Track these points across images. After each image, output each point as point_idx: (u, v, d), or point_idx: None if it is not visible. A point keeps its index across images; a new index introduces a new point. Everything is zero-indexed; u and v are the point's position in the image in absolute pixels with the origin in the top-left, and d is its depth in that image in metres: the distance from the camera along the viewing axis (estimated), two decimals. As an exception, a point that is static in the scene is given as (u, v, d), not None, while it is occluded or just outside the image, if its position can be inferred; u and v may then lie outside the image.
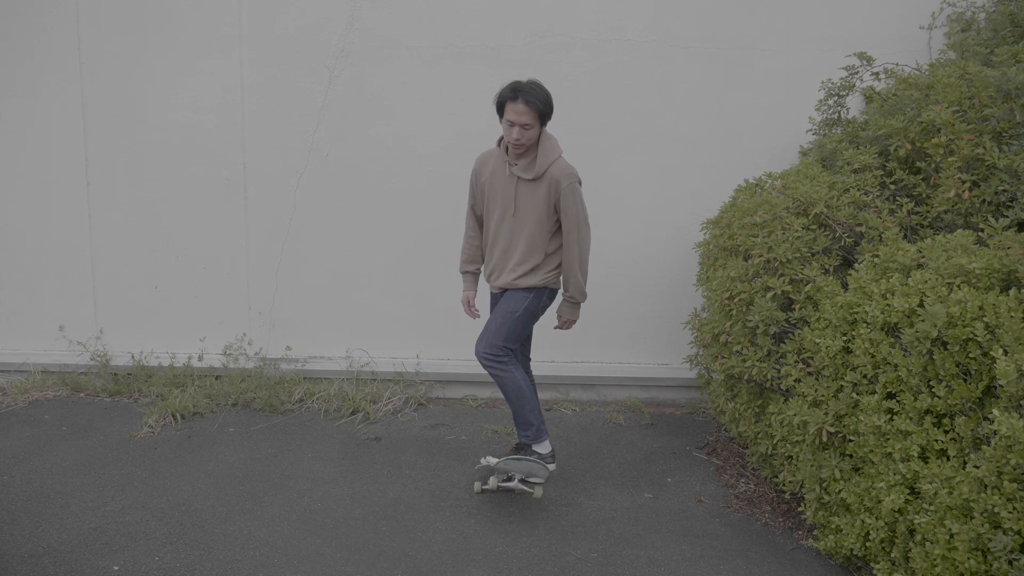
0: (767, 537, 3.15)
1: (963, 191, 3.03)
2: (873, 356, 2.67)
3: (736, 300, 3.30)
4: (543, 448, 3.41)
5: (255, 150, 4.76)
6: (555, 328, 3.55)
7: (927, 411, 2.53)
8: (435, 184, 4.66)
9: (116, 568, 2.88)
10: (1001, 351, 2.24)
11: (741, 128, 4.53)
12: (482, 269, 3.60)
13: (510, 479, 3.47)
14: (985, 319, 2.36)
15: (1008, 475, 2.13)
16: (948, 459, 2.43)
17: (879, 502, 2.59)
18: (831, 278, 3.00)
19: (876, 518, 2.62)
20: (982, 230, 2.89)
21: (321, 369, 4.79)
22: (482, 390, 4.74)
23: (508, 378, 3.32)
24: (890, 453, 2.57)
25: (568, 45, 4.55)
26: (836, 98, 3.99)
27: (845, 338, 2.80)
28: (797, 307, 3.10)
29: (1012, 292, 2.35)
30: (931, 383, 2.51)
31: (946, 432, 2.48)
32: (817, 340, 2.86)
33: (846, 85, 3.96)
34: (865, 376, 2.71)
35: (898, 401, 2.61)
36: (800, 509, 3.17)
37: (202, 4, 4.65)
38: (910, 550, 2.47)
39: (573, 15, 4.52)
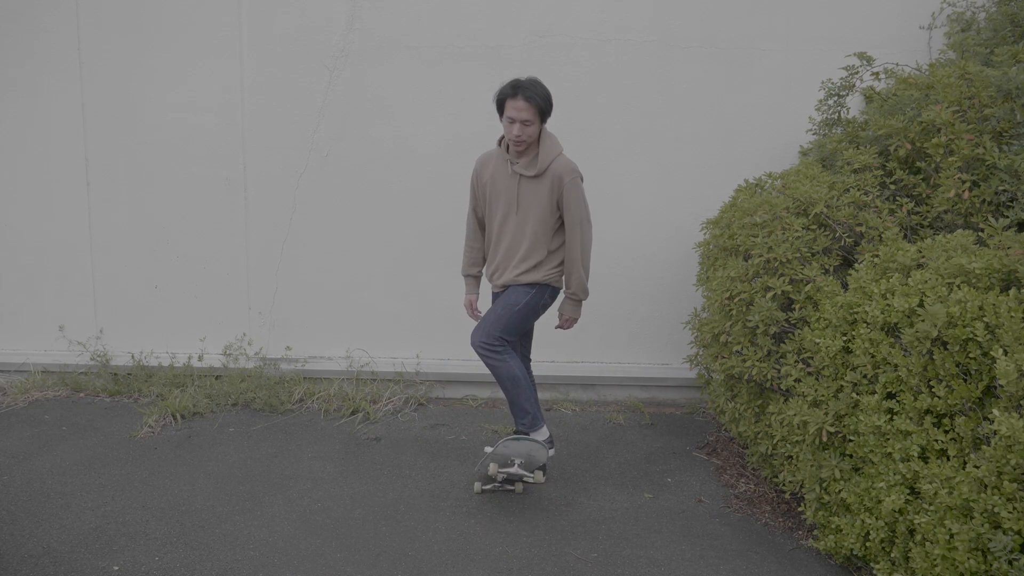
0: (767, 537, 3.15)
1: (963, 191, 3.03)
2: (873, 356, 2.67)
3: (736, 300, 3.30)
4: (540, 436, 3.41)
5: (255, 150, 4.76)
6: (556, 327, 3.55)
7: (927, 411, 2.53)
8: (435, 184, 4.66)
9: (116, 568, 2.88)
10: (1001, 351, 2.24)
11: (741, 128, 4.53)
12: (484, 270, 3.61)
13: (511, 481, 3.47)
14: (985, 319, 2.36)
15: (1008, 475, 2.13)
16: (948, 459, 2.43)
17: (879, 502, 2.59)
18: (831, 278, 3.00)
19: (876, 518, 2.62)
20: (982, 230, 2.89)
21: (321, 369, 4.79)
22: (482, 390, 4.74)
23: (503, 367, 3.32)
24: (890, 453, 2.57)
25: (568, 45, 4.55)
26: (836, 98, 3.99)
27: (845, 338, 2.80)
28: (797, 307, 3.10)
29: (1012, 292, 2.35)
30: (931, 383, 2.51)
31: (946, 432, 2.48)
32: (817, 340, 2.86)
33: (846, 85, 3.96)
34: (865, 376, 2.71)
35: (898, 401, 2.61)
36: (800, 509, 3.17)
37: (202, 4, 4.65)
38: (910, 550, 2.47)
39: (573, 15, 4.52)
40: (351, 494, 3.49)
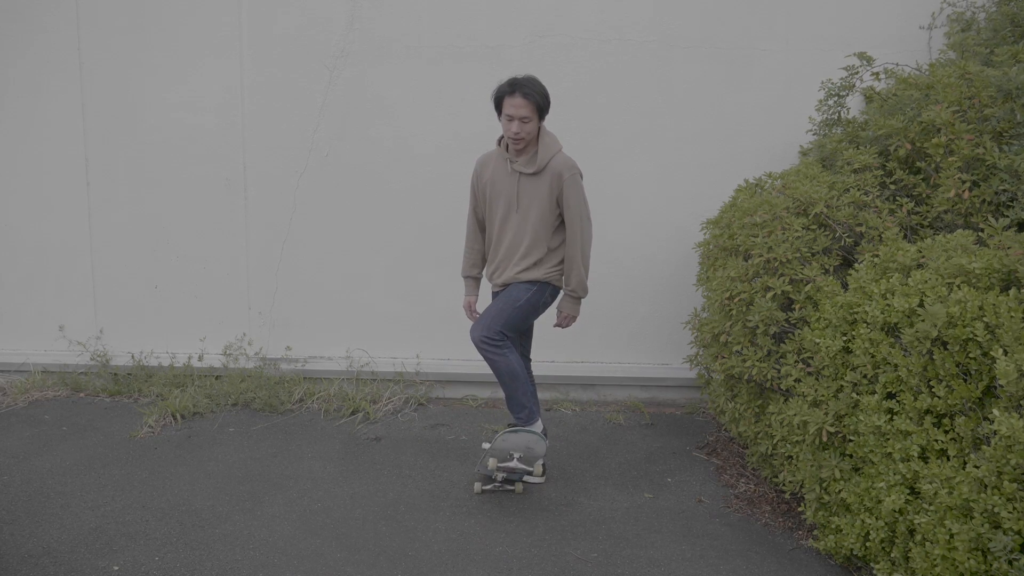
0: (767, 537, 3.15)
1: (963, 191, 3.03)
2: (873, 356, 2.67)
3: (736, 300, 3.30)
4: (536, 429, 3.42)
5: (255, 150, 4.76)
6: (555, 325, 3.54)
7: (927, 411, 2.53)
8: (435, 184, 4.66)
9: (116, 568, 2.88)
10: (1001, 351, 2.24)
11: (741, 128, 4.53)
12: (484, 270, 3.61)
13: (511, 481, 3.47)
14: (985, 319, 2.36)
15: (1008, 475, 2.13)
16: (948, 459, 2.43)
17: (879, 502, 2.59)
18: (831, 278, 3.00)
19: (876, 518, 2.62)
20: (982, 230, 2.89)
21: (321, 369, 4.79)
22: (482, 390, 4.74)
23: (503, 362, 3.31)
24: (890, 453, 2.57)
25: (568, 45, 4.55)
26: (836, 98, 3.99)
27: (845, 338, 2.80)
28: (797, 307, 3.10)
29: (1012, 292, 2.35)
30: (931, 383, 2.51)
31: (946, 432, 2.48)
32: (817, 340, 2.86)
33: (846, 85, 3.96)
34: (865, 376, 2.71)
35: (898, 401, 2.61)
36: (800, 509, 3.17)
37: (202, 4, 4.65)
38: (910, 550, 2.47)
39: (573, 15, 4.52)
40: (351, 494, 3.49)
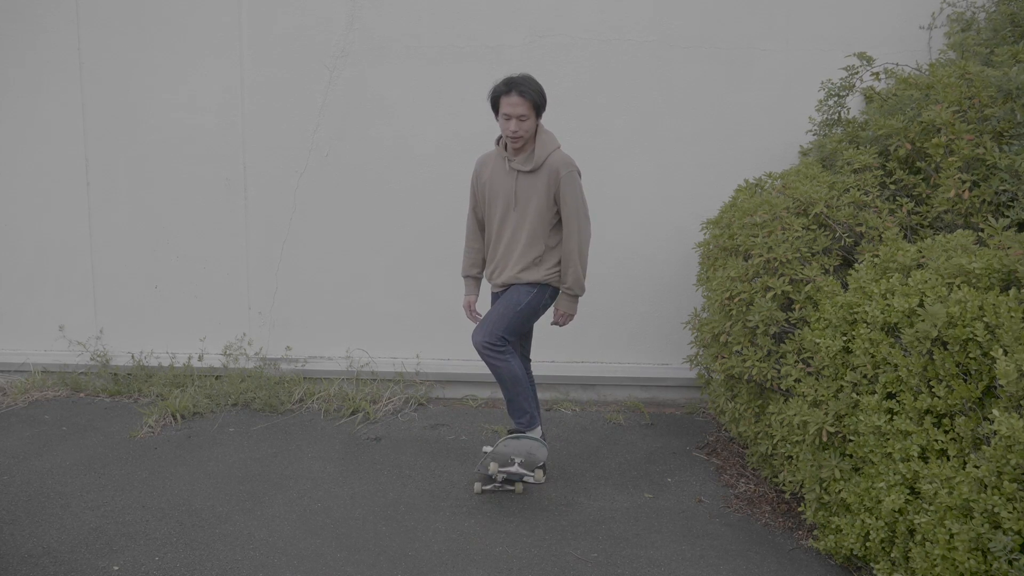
0: (767, 537, 3.15)
1: (963, 191, 3.03)
2: (873, 356, 2.67)
3: (736, 300, 3.30)
4: (536, 435, 3.42)
5: (255, 150, 4.76)
6: (552, 323, 3.53)
7: (927, 411, 2.53)
8: (435, 184, 4.66)
9: (116, 568, 2.88)
10: (1001, 351, 2.24)
11: (741, 128, 4.53)
12: (484, 270, 3.61)
13: (511, 481, 3.47)
14: (985, 319, 2.36)
15: (1008, 475, 2.13)
16: (948, 459, 2.43)
17: (879, 502, 2.59)
18: (831, 278, 3.00)
19: (876, 518, 2.62)
20: (982, 230, 2.89)
21: (321, 369, 4.79)
22: (482, 390, 4.74)
23: (505, 367, 3.32)
24: (890, 453, 2.57)
25: (568, 45, 4.55)
26: (836, 98, 3.99)
27: (845, 338, 2.80)
28: (797, 307, 3.10)
29: (1012, 292, 2.35)
30: (931, 383, 2.51)
31: (946, 432, 2.48)
32: (817, 340, 2.86)
33: (846, 85, 3.96)
34: (865, 376, 2.71)
35: (898, 401, 2.61)
36: (800, 509, 3.17)
37: (202, 4, 4.65)
38: (910, 550, 2.47)
39: (573, 15, 4.52)
40: (351, 494, 3.49)
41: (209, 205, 4.82)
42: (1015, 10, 3.94)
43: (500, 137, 3.43)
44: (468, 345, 3.54)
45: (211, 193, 4.81)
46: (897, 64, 4.07)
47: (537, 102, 3.25)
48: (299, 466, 3.77)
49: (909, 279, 2.65)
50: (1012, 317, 2.28)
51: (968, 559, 2.21)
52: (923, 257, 2.78)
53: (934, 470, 2.38)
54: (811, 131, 4.20)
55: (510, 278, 3.40)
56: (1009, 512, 2.12)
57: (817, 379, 2.93)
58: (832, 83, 3.99)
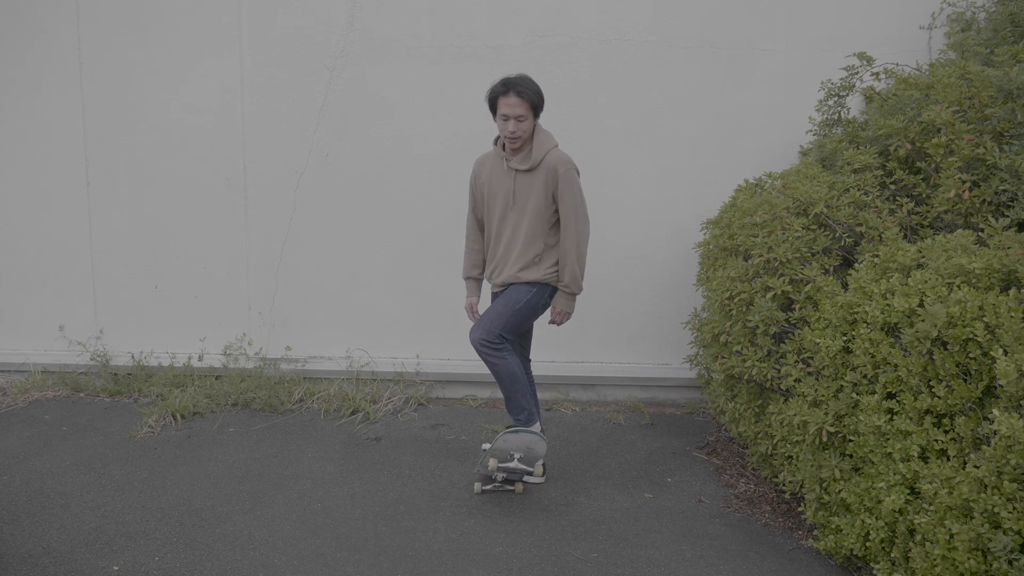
0: (767, 537, 3.15)
1: (963, 191, 3.03)
2: (873, 356, 2.67)
3: (736, 300, 3.30)
4: (535, 430, 3.42)
5: (255, 150, 4.76)
6: (549, 322, 3.52)
7: (927, 411, 2.53)
8: (435, 184, 4.66)
9: (116, 568, 2.88)
10: (1001, 351, 2.24)
11: (741, 128, 4.53)
12: (484, 271, 3.61)
13: (511, 481, 3.47)
14: (985, 319, 2.36)
15: (1008, 475, 2.13)
16: (948, 459, 2.43)
17: (879, 502, 2.59)
18: (831, 278, 3.00)
19: (876, 518, 2.62)
20: (982, 230, 2.89)
21: (321, 369, 4.80)
22: (482, 390, 4.74)
23: (503, 364, 3.32)
24: (890, 453, 2.57)
25: (568, 45, 4.55)
26: (836, 98, 3.99)
27: (845, 338, 2.80)
28: (797, 307, 3.10)
29: (1012, 292, 2.35)
30: (931, 383, 2.51)
31: (946, 432, 2.48)
32: (817, 340, 2.86)
33: (846, 85, 3.96)
34: (865, 376, 2.71)
35: (898, 401, 2.61)
36: (800, 509, 3.17)
37: (202, 4, 4.65)
38: (910, 550, 2.47)
39: (573, 15, 4.52)
40: (351, 494, 3.49)
41: (209, 205, 4.82)
42: (1015, 10, 3.94)
43: (498, 137, 3.43)
44: (468, 345, 3.54)
45: (211, 193, 4.81)
46: (897, 64, 4.07)
47: (535, 102, 3.26)
48: (299, 466, 3.77)
49: (909, 279, 2.65)
50: (1012, 317, 2.28)
51: (968, 559, 2.21)
52: (923, 257, 2.78)
53: (934, 470, 2.38)
54: (811, 131, 4.20)
55: (509, 277, 3.40)
56: (1009, 512, 2.12)
57: (817, 379, 2.93)
58: (832, 83, 3.99)
